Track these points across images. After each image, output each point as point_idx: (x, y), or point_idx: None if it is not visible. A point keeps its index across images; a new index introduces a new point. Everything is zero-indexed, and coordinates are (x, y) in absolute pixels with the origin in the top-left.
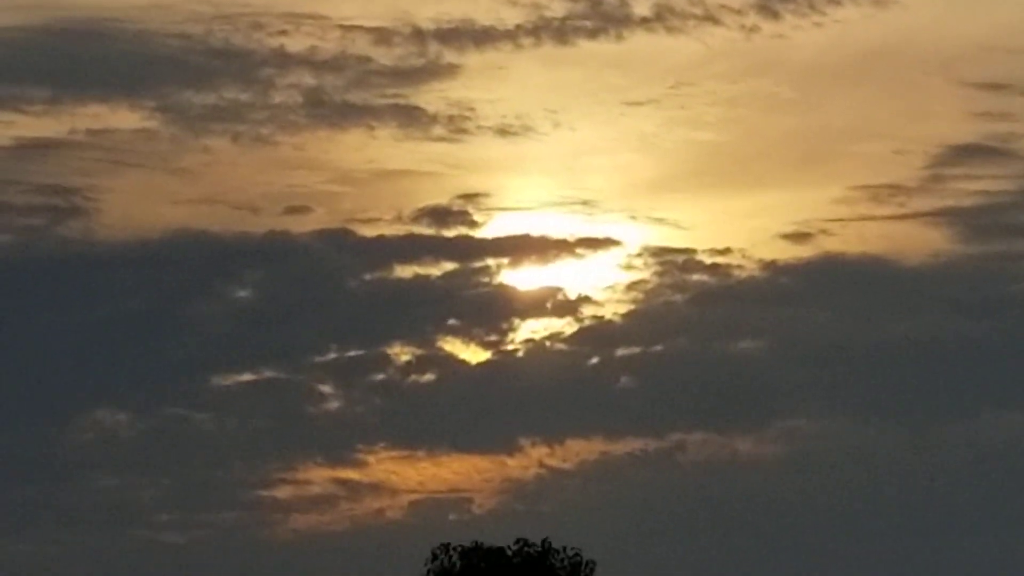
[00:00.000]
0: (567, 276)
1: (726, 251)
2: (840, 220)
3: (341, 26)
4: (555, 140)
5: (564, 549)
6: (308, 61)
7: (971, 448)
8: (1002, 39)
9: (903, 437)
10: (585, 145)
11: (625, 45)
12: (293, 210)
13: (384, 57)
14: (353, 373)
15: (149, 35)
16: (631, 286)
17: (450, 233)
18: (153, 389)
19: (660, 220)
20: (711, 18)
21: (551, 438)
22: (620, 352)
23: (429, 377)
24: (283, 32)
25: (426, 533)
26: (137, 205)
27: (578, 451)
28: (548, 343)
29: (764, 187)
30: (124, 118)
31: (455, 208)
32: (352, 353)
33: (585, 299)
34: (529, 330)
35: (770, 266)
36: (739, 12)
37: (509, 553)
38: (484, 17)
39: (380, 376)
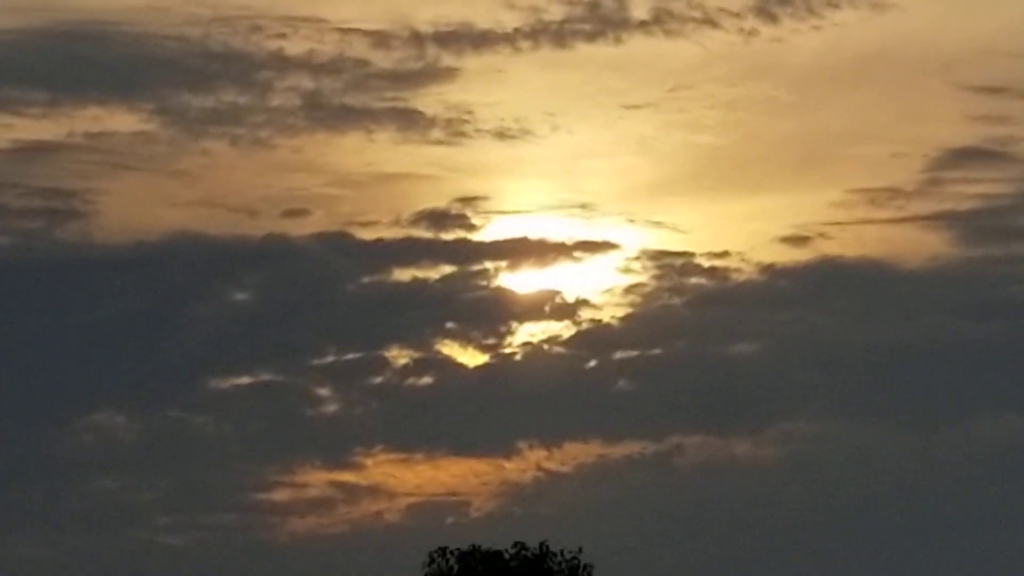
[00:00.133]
0: (565, 279)
1: (724, 254)
2: (838, 223)
3: (339, 29)
4: (553, 143)
5: (562, 552)
6: (306, 64)
7: (970, 450)
8: (1000, 42)
9: (902, 439)
10: (583, 148)
11: (623, 48)
12: (291, 213)
13: (382, 60)
14: (351, 376)
15: (147, 38)
16: (629, 289)
17: (448, 236)
18: (152, 391)
19: (658, 223)
20: (709, 21)
21: (549, 441)
22: (618, 355)
23: (427, 380)
24: (281, 35)
25: (424, 536)
26: (135, 208)
27: (576, 454)
28: (546, 346)
29: (762, 190)
30: (122, 121)
31: (453, 211)
32: (350, 356)
33: (583, 302)
34: (527, 333)
35: (768, 269)
36: (737, 15)
37: (507, 556)
38: (482, 20)
39: (378, 379)
